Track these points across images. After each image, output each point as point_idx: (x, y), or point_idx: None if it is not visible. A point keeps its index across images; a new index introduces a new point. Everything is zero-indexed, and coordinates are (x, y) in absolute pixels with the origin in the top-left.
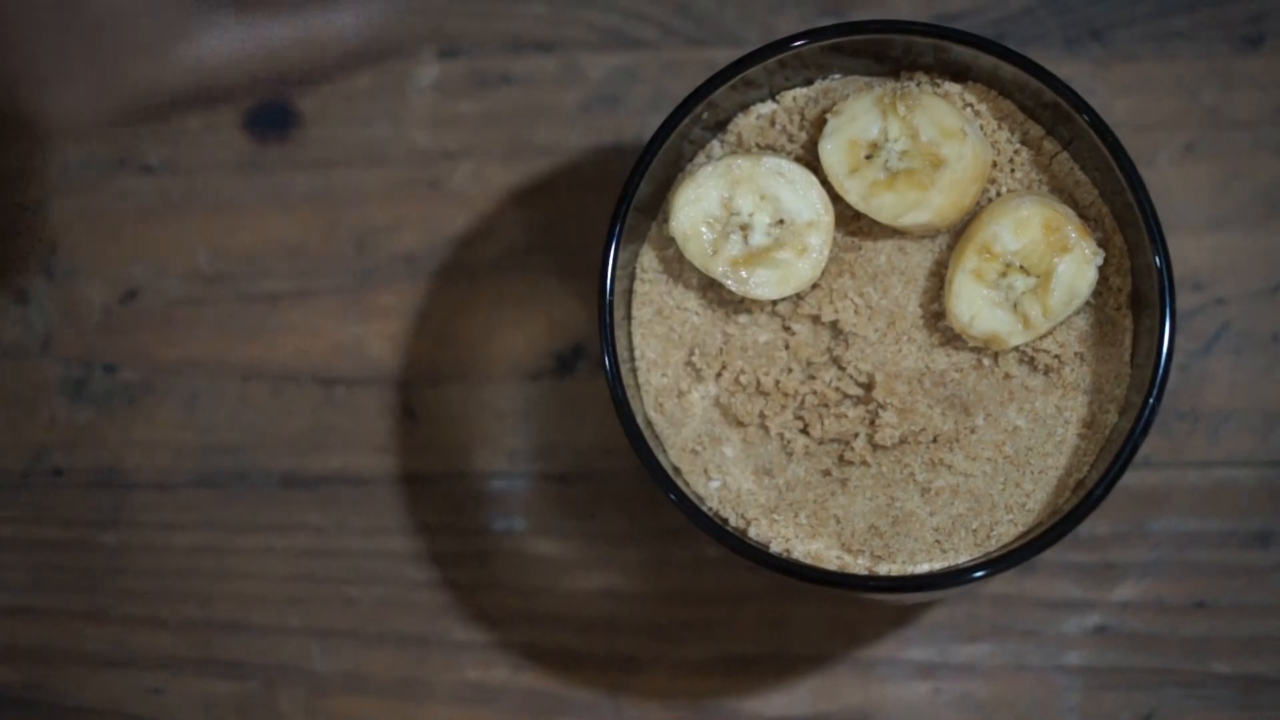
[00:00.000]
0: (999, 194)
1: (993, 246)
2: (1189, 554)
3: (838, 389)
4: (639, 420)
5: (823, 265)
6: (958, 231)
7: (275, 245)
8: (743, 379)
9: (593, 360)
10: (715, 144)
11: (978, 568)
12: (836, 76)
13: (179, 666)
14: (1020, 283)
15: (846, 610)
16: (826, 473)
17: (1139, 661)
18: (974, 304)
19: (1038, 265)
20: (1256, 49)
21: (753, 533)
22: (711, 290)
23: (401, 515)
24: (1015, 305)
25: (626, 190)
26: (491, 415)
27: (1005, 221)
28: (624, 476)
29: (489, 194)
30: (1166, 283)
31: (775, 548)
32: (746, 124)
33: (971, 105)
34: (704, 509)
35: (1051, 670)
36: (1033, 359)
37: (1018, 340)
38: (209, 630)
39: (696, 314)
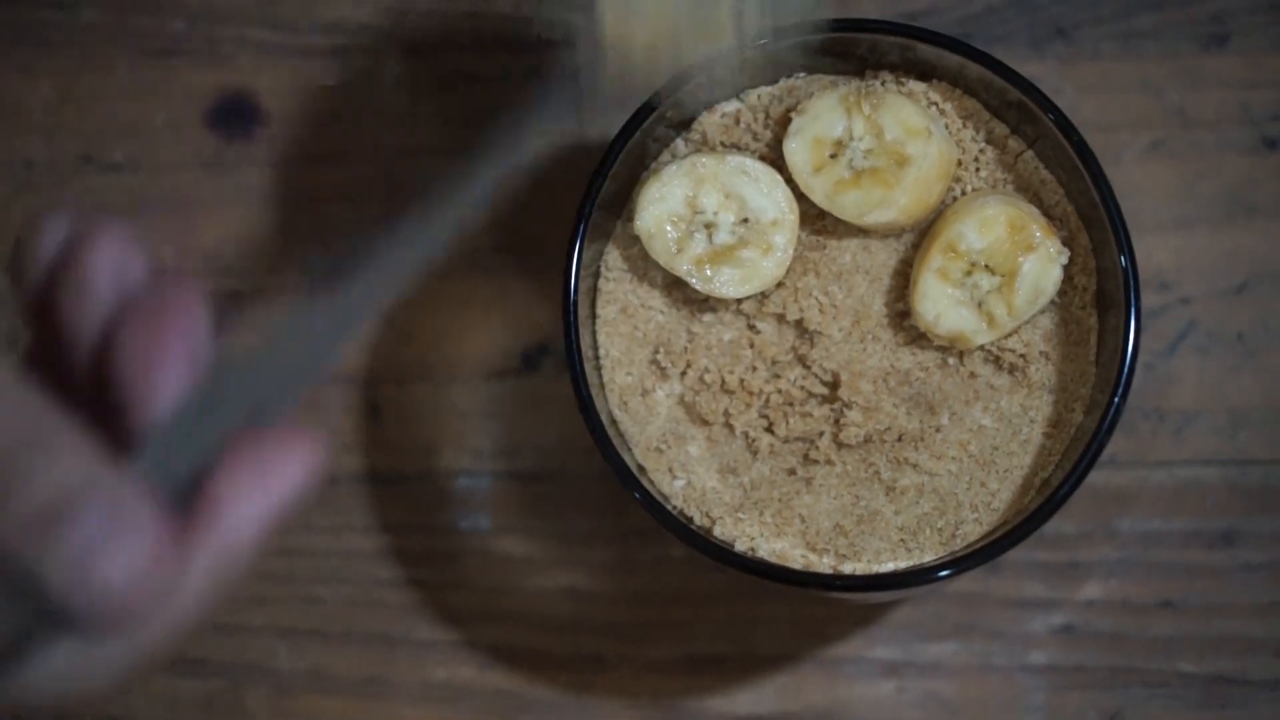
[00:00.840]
0: (964, 193)
1: (958, 245)
2: (1155, 553)
3: (803, 388)
4: (604, 419)
5: (787, 264)
6: (922, 230)
7: (239, 243)
8: (707, 377)
9: (558, 359)
10: (680, 142)
11: (943, 567)
12: (801, 75)
13: None
14: (985, 282)
15: (812, 609)
16: (791, 471)
17: (1105, 661)
18: (939, 303)
19: (1003, 264)
20: (1221, 48)
21: (718, 532)
22: (676, 289)
23: (367, 514)
24: (980, 304)
25: (591, 189)
26: (456, 414)
27: (970, 220)
28: (590, 475)
29: None
30: (1131, 282)
31: (740, 547)
32: (711, 122)
33: (936, 104)
34: (669, 508)
35: (1017, 670)
36: (998, 358)
37: (983, 339)
38: None
39: (661, 312)
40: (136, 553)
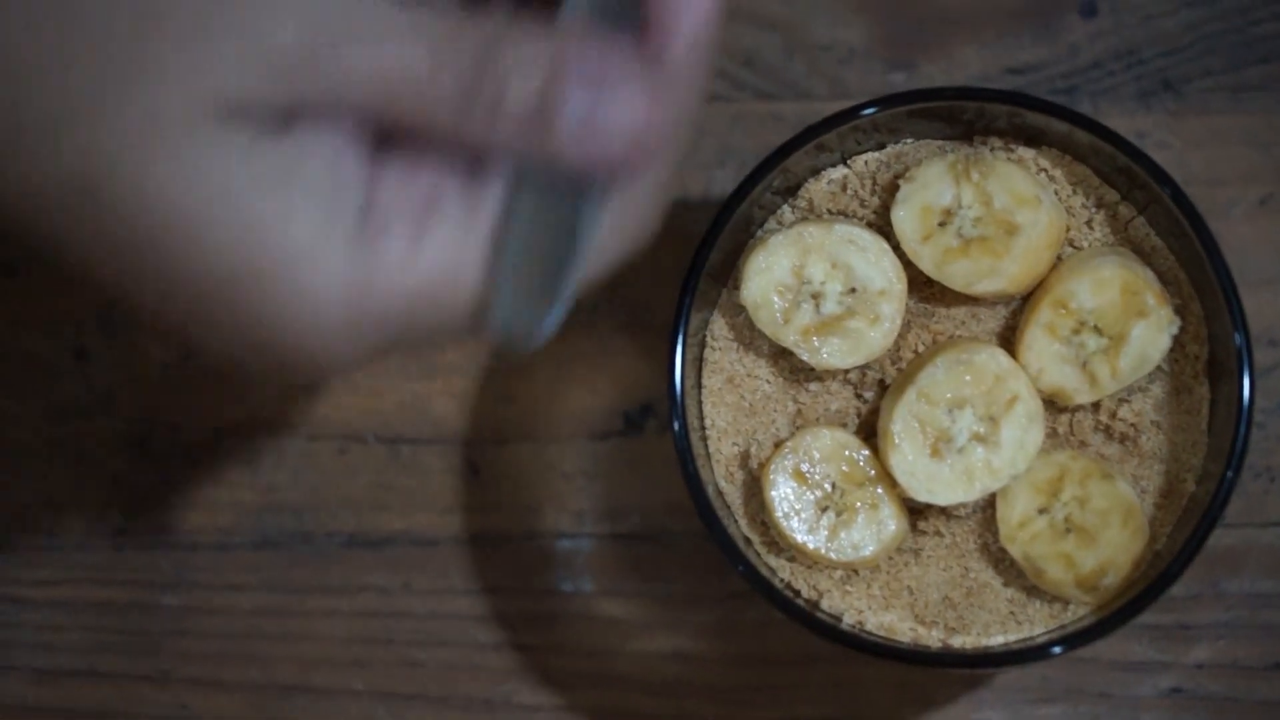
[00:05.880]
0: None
1: (1069, 303)
2: (1265, 615)
3: None
4: (709, 490)
5: (895, 334)
6: (1029, 295)
7: None
8: None
9: (661, 419)
10: (786, 209)
11: (1054, 643)
12: (909, 140)
13: None
14: (1092, 342)
15: (918, 673)
16: None
17: None
18: (1043, 357)
19: (1112, 327)
20: None
21: (825, 604)
22: (783, 357)
23: (467, 576)
24: (1084, 364)
25: (697, 260)
26: (558, 475)
27: (1085, 279)
28: (693, 538)
29: None
30: (1246, 358)
31: (848, 619)
32: (818, 189)
33: (1046, 170)
34: (775, 581)
35: None
36: (1109, 427)
37: (1083, 399)
38: (272, 693)
39: (768, 382)
40: (628, 93)
